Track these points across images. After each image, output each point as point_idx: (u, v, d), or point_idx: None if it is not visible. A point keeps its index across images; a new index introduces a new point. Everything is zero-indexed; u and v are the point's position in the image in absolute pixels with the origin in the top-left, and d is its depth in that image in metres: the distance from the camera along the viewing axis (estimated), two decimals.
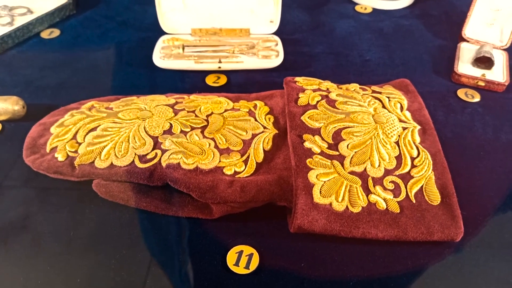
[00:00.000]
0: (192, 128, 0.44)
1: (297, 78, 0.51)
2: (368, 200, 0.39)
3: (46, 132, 0.46)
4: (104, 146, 0.42)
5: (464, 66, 0.59)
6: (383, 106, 0.47)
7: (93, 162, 0.41)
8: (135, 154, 0.41)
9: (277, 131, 0.45)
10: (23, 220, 0.40)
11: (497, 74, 0.57)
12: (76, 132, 0.44)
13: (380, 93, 0.50)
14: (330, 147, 0.42)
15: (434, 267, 0.38)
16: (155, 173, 0.40)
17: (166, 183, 0.40)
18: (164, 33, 0.63)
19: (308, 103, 0.46)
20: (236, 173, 0.41)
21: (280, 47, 0.61)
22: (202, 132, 0.44)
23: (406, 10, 0.74)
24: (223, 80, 0.58)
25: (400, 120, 0.46)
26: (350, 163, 0.41)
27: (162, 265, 0.37)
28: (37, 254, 0.38)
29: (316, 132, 0.43)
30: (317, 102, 0.47)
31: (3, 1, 0.68)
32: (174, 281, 0.36)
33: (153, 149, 0.42)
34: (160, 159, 0.41)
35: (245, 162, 0.42)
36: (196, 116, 0.46)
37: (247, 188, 0.39)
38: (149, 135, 0.43)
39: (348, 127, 0.44)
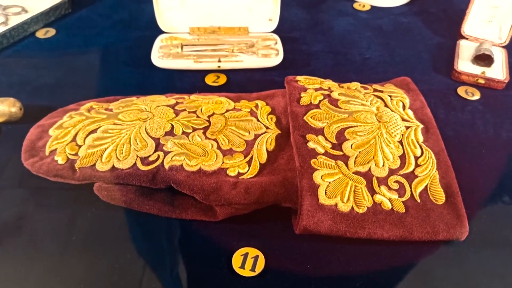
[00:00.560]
0: (194, 129, 0.44)
1: (298, 77, 0.51)
2: (373, 200, 0.38)
3: (44, 135, 0.45)
4: (105, 148, 0.41)
5: (464, 63, 0.59)
6: (385, 105, 0.47)
7: (94, 165, 0.41)
8: (137, 156, 0.41)
9: (279, 131, 0.45)
10: (18, 220, 0.40)
11: (496, 72, 0.58)
12: (76, 134, 0.44)
13: (381, 91, 0.50)
14: (334, 147, 0.42)
15: (439, 266, 0.38)
16: (158, 176, 0.39)
17: (169, 186, 0.39)
18: (162, 32, 0.63)
19: (311, 102, 0.46)
20: (239, 174, 0.40)
21: (279, 46, 0.61)
22: (204, 133, 0.44)
23: (404, 7, 0.74)
24: (222, 79, 0.57)
25: (403, 119, 0.46)
26: (355, 163, 0.40)
27: (164, 269, 0.37)
28: (33, 255, 0.37)
29: (319, 132, 0.43)
30: (320, 101, 0.46)
31: None
32: (179, 286, 0.36)
33: (155, 151, 0.41)
34: (162, 161, 0.40)
35: (249, 163, 0.41)
36: (197, 116, 0.46)
37: (252, 189, 0.39)
38: (151, 137, 0.43)
39: (352, 126, 0.43)
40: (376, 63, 0.61)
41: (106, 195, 0.40)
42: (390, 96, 0.48)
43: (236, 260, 0.37)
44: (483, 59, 0.58)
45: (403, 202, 0.39)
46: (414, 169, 0.41)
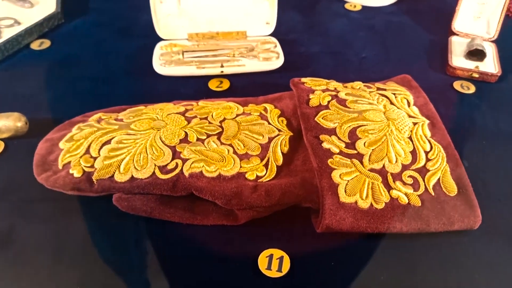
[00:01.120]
0: (208, 135, 0.44)
1: (303, 79, 0.52)
2: (390, 196, 0.40)
3: (55, 148, 0.45)
4: (122, 159, 0.41)
5: (458, 59, 0.61)
6: (391, 103, 0.49)
7: (112, 176, 0.41)
8: (155, 165, 0.41)
9: (292, 133, 0.46)
10: (7, 234, 0.39)
11: (489, 66, 0.60)
12: (89, 146, 0.43)
13: (385, 90, 0.51)
14: (347, 146, 0.43)
15: (456, 255, 0.39)
16: (179, 183, 0.40)
17: (190, 193, 0.40)
18: (160, 39, 0.63)
19: (320, 103, 0.47)
20: (258, 177, 0.41)
21: (279, 49, 0.62)
22: (218, 138, 0.44)
23: (393, 6, 0.76)
24: (226, 84, 0.58)
25: (409, 116, 0.47)
26: (369, 160, 0.42)
27: (190, 277, 0.37)
28: (22, 268, 0.37)
29: (332, 132, 0.44)
30: (328, 102, 0.47)
31: None
32: None
33: (172, 159, 0.42)
34: (182, 168, 0.41)
35: (266, 166, 0.42)
36: (209, 123, 0.46)
37: (272, 192, 0.39)
38: (166, 145, 0.43)
39: (362, 125, 0.45)
40: (372, 62, 0.63)
41: (127, 205, 0.40)
42: (394, 94, 0.50)
43: (262, 262, 0.38)
44: (476, 54, 0.61)
45: (418, 196, 0.40)
46: (425, 164, 0.43)
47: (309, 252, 0.39)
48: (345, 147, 0.43)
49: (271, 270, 0.37)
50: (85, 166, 0.42)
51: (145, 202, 0.40)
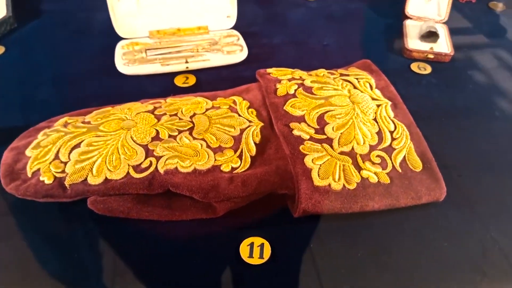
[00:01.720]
0: (180, 131, 0.44)
1: (269, 70, 0.53)
2: (361, 176, 0.41)
3: (21, 156, 0.43)
4: (94, 161, 0.41)
5: (413, 41, 0.64)
6: (355, 87, 0.50)
7: (85, 179, 0.40)
8: (129, 165, 0.41)
9: (262, 124, 0.47)
10: None
11: (442, 46, 0.63)
12: (58, 152, 0.42)
13: (348, 75, 0.53)
14: (317, 131, 0.44)
15: (424, 227, 0.41)
16: (155, 181, 0.40)
17: (167, 190, 0.40)
18: (120, 38, 0.62)
19: (287, 92, 0.48)
20: (233, 169, 0.42)
21: (242, 41, 0.62)
22: (190, 134, 0.44)
23: None
24: (192, 80, 0.58)
25: (373, 99, 0.49)
26: (338, 144, 0.43)
27: (175, 273, 0.37)
28: None
29: (301, 119, 0.45)
30: (295, 90, 0.49)
31: None
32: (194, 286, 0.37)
33: (146, 158, 0.41)
34: (156, 166, 0.41)
35: (240, 157, 0.43)
36: (180, 119, 0.46)
37: (248, 182, 0.40)
38: (138, 144, 0.43)
39: (329, 110, 0.46)
40: (334, 49, 0.65)
41: (102, 208, 0.40)
42: (357, 78, 0.52)
43: (244, 251, 0.39)
44: (429, 36, 0.63)
45: (387, 174, 0.42)
46: (391, 143, 0.45)
47: (288, 237, 0.40)
48: (314, 133, 0.44)
49: (253, 257, 0.38)
50: (55, 172, 0.41)
51: (122, 202, 0.40)
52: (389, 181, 0.41)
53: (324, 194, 0.39)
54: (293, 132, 0.44)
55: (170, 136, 0.44)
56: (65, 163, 0.41)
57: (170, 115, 0.46)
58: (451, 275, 0.38)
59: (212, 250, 0.39)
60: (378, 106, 0.48)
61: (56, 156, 0.42)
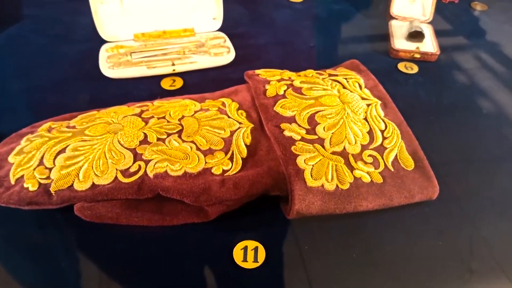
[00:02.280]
0: (168, 134, 0.43)
1: (257, 71, 0.52)
2: (354, 176, 0.41)
3: (4, 163, 0.42)
4: (80, 166, 0.40)
5: (399, 41, 0.64)
6: (344, 87, 0.50)
7: (71, 185, 0.39)
8: (117, 169, 0.40)
9: (252, 125, 0.46)
10: None
11: (428, 46, 0.64)
12: (42, 157, 0.41)
13: (336, 75, 0.53)
14: (308, 132, 0.44)
15: (418, 225, 0.41)
16: (144, 186, 0.39)
17: (157, 194, 0.39)
18: (104, 41, 0.60)
19: (277, 93, 0.48)
20: (224, 171, 0.41)
21: (229, 43, 0.62)
22: (179, 136, 0.43)
23: None
24: (179, 82, 0.57)
25: (362, 98, 0.49)
26: (330, 144, 0.43)
27: (167, 278, 0.36)
28: None
29: (291, 120, 0.45)
30: (284, 91, 0.48)
31: None
32: None
33: (134, 162, 0.40)
34: (145, 170, 0.40)
35: (231, 159, 0.42)
36: (168, 121, 0.45)
37: (240, 184, 0.39)
38: (126, 148, 0.41)
39: (320, 110, 0.46)
40: (321, 49, 0.65)
41: (90, 214, 0.39)
42: (346, 78, 0.52)
43: (237, 254, 0.38)
44: (415, 35, 0.64)
45: (379, 173, 0.42)
46: (382, 142, 0.44)
47: (282, 239, 0.39)
48: (306, 133, 0.43)
49: (247, 261, 0.37)
50: (40, 178, 0.39)
51: (110, 208, 0.39)
52: (382, 181, 0.41)
53: (318, 195, 0.39)
54: (284, 133, 0.43)
55: (158, 139, 0.43)
56: (50, 169, 0.40)
57: (158, 118, 0.45)
58: (440, 272, 0.38)
59: (204, 255, 0.38)
60: (368, 105, 0.48)
61: (41, 162, 0.41)
